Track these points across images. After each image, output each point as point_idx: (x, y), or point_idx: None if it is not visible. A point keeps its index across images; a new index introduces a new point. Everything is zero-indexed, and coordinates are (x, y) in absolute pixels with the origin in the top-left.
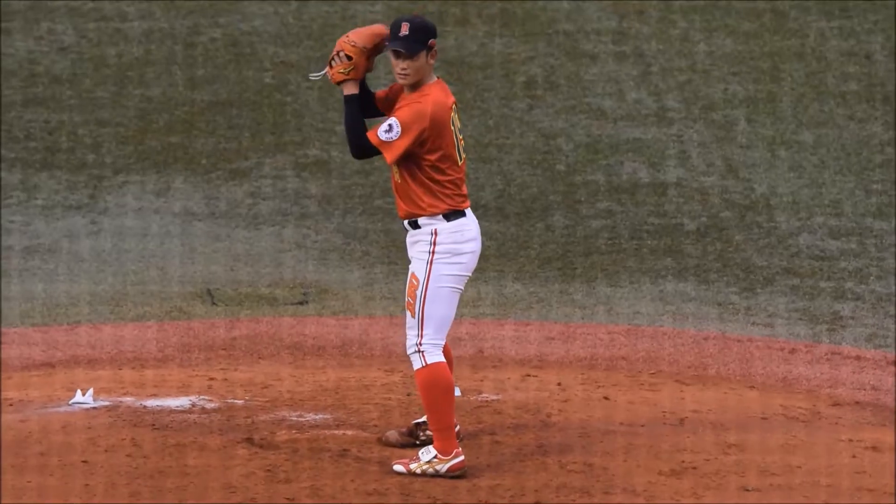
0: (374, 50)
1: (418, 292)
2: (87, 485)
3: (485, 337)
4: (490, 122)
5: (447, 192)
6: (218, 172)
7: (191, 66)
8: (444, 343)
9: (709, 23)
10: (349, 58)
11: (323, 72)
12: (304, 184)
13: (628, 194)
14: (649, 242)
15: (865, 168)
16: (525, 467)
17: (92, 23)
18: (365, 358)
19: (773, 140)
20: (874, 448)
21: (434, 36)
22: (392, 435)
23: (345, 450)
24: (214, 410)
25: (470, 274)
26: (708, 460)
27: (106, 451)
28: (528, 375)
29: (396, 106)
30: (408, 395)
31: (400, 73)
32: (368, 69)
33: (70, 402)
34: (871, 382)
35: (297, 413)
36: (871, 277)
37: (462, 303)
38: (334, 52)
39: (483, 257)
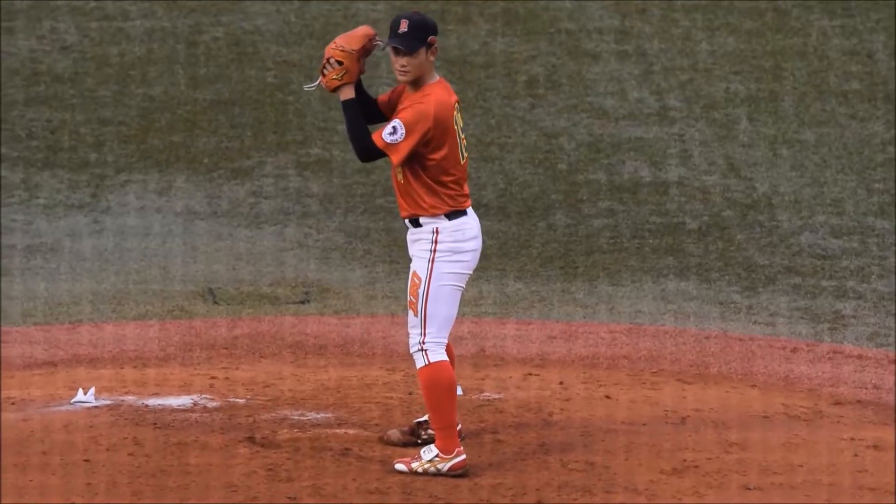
0: (363, 52)
1: (420, 291)
2: (88, 483)
3: (486, 336)
4: (492, 121)
5: (450, 192)
6: (220, 171)
7: (193, 65)
8: (446, 342)
9: (711, 21)
10: (340, 63)
11: (317, 82)
12: (306, 183)
13: (630, 193)
14: (651, 241)
15: (867, 167)
16: (527, 466)
17: (94, 22)
18: (366, 357)
19: (775, 139)
20: (876, 447)
21: (434, 33)
22: (394, 434)
23: (346, 449)
24: (216, 409)
25: (471, 272)
26: (709, 459)
27: (108, 449)
28: (530, 374)
29: (399, 107)
30: (409, 393)
31: (399, 70)
32: (361, 71)
33: (72, 400)
34: (872, 381)
35: (299, 412)
36: (873, 276)
37: (464, 302)
38: (324, 61)
39: (485, 256)
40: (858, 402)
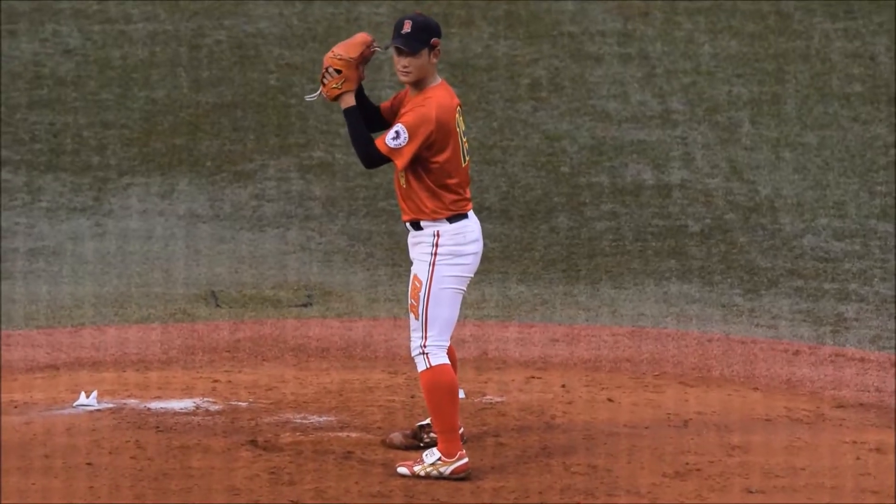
0: (361, 59)
1: (421, 294)
2: (91, 487)
3: (489, 339)
4: (494, 124)
5: (452, 195)
6: (222, 174)
7: (195, 68)
8: (448, 345)
9: (713, 24)
10: (339, 71)
11: (317, 92)
12: (309, 186)
13: (632, 196)
14: (653, 244)
15: (869, 170)
16: (529, 469)
17: (97, 25)
18: (369, 360)
19: (778, 142)
20: (878, 450)
21: (437, 35)
22: (396, 437)
23: (349, 452)
24: (218, 412)
25: (472, 275)
26: (712, 462)
27: (110, 453)
28: (533, 377)
29: (401, 112)
30: (411, 397)
31: (401, 71)
32: (361, 79)
33: (74, 404)
34: (874, 384)
35: (301, 415)
36: (875, 279)
37: (466, 304)
38: (323, 70)
39: (487, 259)
40: (861, 405)
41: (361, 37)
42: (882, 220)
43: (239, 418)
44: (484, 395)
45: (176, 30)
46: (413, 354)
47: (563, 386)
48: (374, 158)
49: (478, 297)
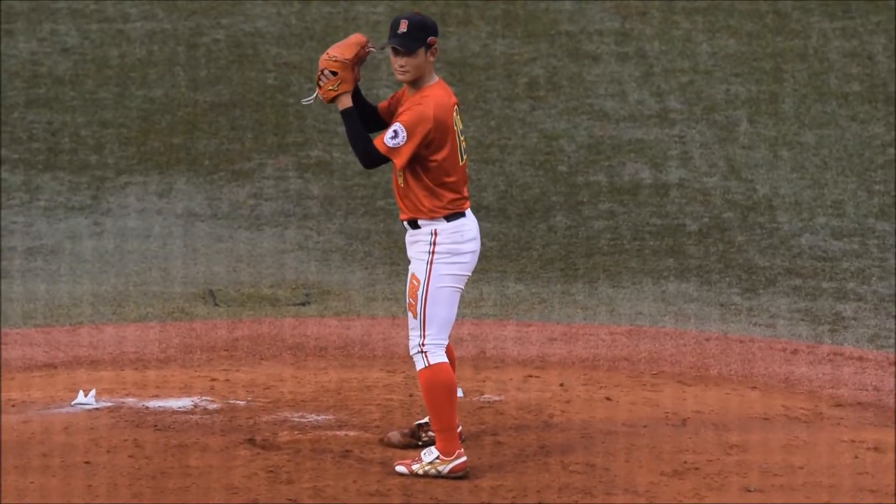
0: (357, 60)
1: (419, 293)
2: (89, 485)
3: (487, 337)
4: (492, 123)
5: (450, 194)
6: (220, 173)
7: (193, 67)
8: (446, 343)
9: (711, 23)
10: (334, 73)
11: (314, 95)
12: (307, 185)
13: (630, 195)
14: (651, 243)
15: (867, 169)
16: (527, 468)
17: (94, 24)
18: (367, 359)
19: (776, 141)
20: (876, 449)
21: (434, 34)
22: (394, 436)
23: (347, 451)
24: (216, 411)
25: (470, 274)
26: (710, 461)
27: (108, 451)
28: (530, 376)
29: (399, 111)
30: (410, 395)
31: (399, 71)
32: (356, 79)
33: (72, 402)
34: (872, 383)
35: (299, 414)
36: (873, 278)
37: (464, 303)
38: (318, 73)
39: (485, 258)
40: (859, 403)
41: (356, 38)
42: (880, 219)
43: (237, 417)
44: (482, 393)
45: (174, 29)
46: (411, 353)
47: (561, 385)
48: (373, 158)
49: (476, 296)
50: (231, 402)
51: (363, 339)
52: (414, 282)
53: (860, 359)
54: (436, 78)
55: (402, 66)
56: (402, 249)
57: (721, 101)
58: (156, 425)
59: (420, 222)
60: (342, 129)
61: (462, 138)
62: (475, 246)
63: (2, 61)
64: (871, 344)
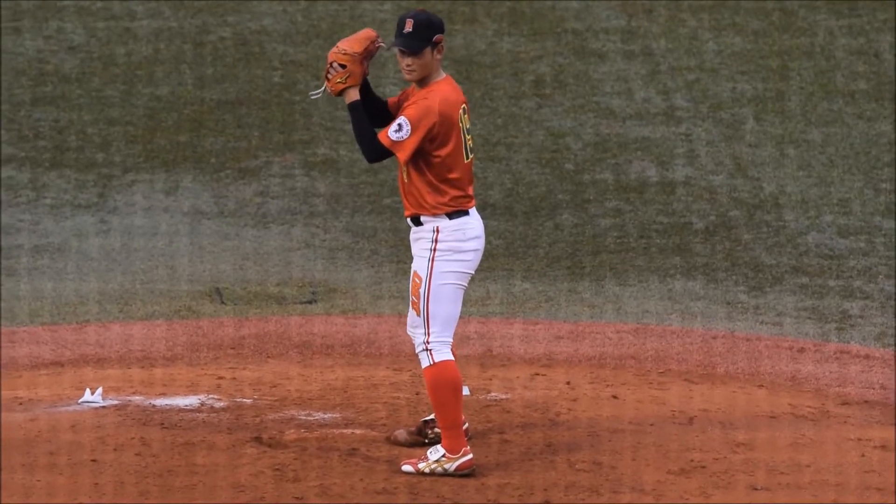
0: (366, 54)
1: (422, 291)
2: (96, 483)
3: (493, 336)
4: (498, 121)
5: (453, 191)
6: (227, 171)
7: (200, 64)
8: (451, 340)
9: (717, 21)
10: (343, 66)
11: (322, 88)
12: (313, 182)
13: (637, 193)
14: (658, 241)
15: (874, 166)
16: (534, 466)
17: (101, 22)
18: (373, 357)
19: (782, 139)
20: (883, 447)
21: (440, 31)
22: (400, 434)
23: (353, 449)
24: (223, 409)
25: (473, 272)
26: (716, 459)
27: (115, 449)
28: (537, 374)
29: (404, 105)
30: (416, 393)
31: (406, 70)
32: (365, 74)
33: (79, 400)
34: (879, 381)
35: (306, 412)
36: (880, 276)
37: (470, 301)
38: (327, 66)
39: (491, 256)
40: (865, 402)
41: (366, 32)
42: (887, 217)
43: (243, 415)
44: (488, 392)
45: (180, 27)
46: (416, 351)
47: (568, 383)
48: (378, 152)
49: (482, 294)
50: (238, 400)
51: (370, 338)
52: (416, 279)
53: (867, 357)
54: (443, 74)
55: (409, 66)
56: (408, 247)
57: (727, 98)
58: (162, 423)
59: (423, 219)
60: (349, 127)
61: (469, 137)
62: (478, 244)
63: (8, 59)
64: (878, 342)
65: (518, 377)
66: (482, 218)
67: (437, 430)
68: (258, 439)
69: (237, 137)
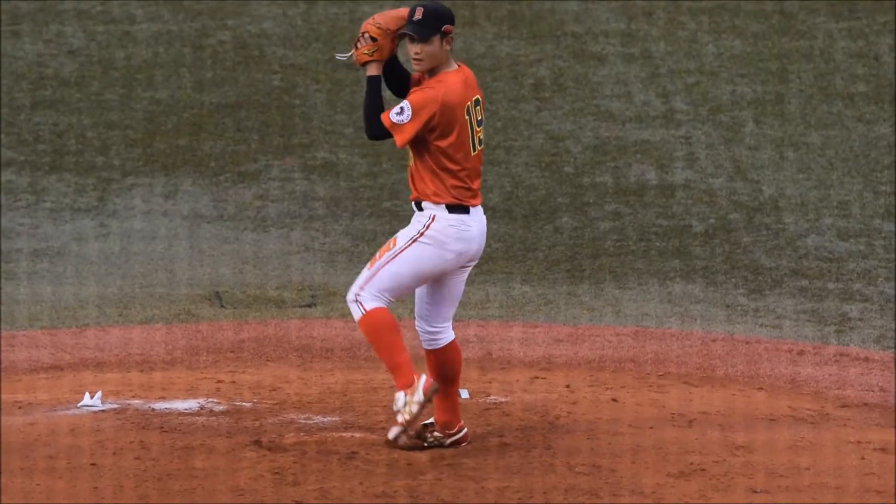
0: (397, 32)
1: (388, 254)
2: (95, 487)
3: (492, 339)
4: (498, 124)
5: (452, 180)
6: (226, 175)
7: (199, 68)
8: (386, 301)
9: (717, 24)
10: (374, 39)
11: (349, 53)
12: (313, 186)
13: (636, 196)
14: (657, 244)
15: (873, 169)
16: (533, 469)
17: (100, 25)
18: (373, 360)
19: (781, 141)
20: (882, 449)
21: (449, 22)
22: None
23: (353, 452)
24: (222, 413)
25: (448, 272)
26: (716, 462)
27: (114, 453)
28: (536, 377)
29: (413, 89)
30: None
31: (414, 59)
32: (392, 51)
33: (78, 404)
34: (879, 384)
35: (305, 415)
36: (880, 279)
37: (469, 305)
38: (360, 34)
39: (491, 259)
40: (865, 404)
41: (402, 11)
42: (886, 220)
43: (243, 419)
44: (488, 395)
45: (179, 30)
46: (348, 302)
47: (567, 386)
48: (377, 130)
49: (481, 297)
50: (237, 403)
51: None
52: (391, 244)
53: (866, 359)
54: (454, 65)
55: (416, 54)
56: None
57: (727, 101)
58: (162, 427)
59: (424, 204)
60: (348, 131)
61: (479, 129)
62: (465, 247)
63: (8, 63)
64: (878, 345)
65: (517, 380)
66: (483, 222)
67: (436, 433)
68: (257, 443)
69: (236, 141)
